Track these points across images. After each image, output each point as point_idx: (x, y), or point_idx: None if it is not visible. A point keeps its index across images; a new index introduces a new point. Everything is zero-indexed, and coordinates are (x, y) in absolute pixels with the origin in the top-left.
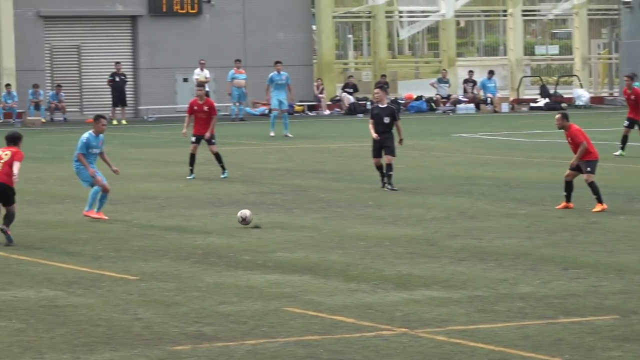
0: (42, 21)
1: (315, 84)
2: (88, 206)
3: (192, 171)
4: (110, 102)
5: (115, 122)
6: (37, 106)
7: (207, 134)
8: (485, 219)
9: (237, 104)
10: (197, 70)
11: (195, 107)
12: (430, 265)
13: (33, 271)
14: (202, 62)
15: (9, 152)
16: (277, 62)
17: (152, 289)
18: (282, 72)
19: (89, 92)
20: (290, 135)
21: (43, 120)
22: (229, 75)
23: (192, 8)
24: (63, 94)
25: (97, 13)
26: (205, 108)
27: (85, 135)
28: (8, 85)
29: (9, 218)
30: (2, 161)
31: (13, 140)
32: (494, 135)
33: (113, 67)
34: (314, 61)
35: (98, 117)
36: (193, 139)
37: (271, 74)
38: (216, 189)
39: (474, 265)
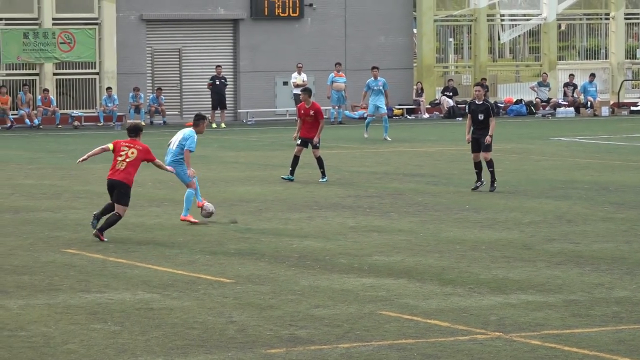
0: (144, 24)
1: (414, 87)
2: (185, 211)
3: (292, 172)
4: (210, 105)
5: (214, 125)
6: (137, 109)
7: (315, 139)
8: (582, 223)
9: (337, 107)
10: (295, 74)
11: (302, 111)
12: (526, 269)
13: (129, 274)
14: (300, 65)
15: (135, 151)
16: (373, 68)
17: (247, 292)
18: (379, 78)
19: (189, 95)
20: (389, 139)
21: (143, 123)
22: (328, 79)
23: (294, 12)
24: (163, 97)
25: (198, 17)
26: (312, 112)
27: (194, 134)
28: (109, 88)
29: (110, 222)
30: (127, 160)
31: (135, 131)
32: (593, 139)
33: (213, 70)
34: (414, 64)
35: (203, 118)
36: (299, 141)
37: (368, 80)
38: (314, 192)
39: (570, 269)
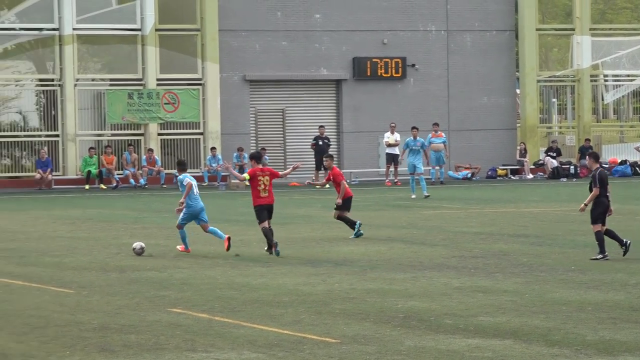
0: (248, 85)
1: (518, 147)
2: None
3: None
4: (314, 166)
5: (318, 185)
6: (241, 169)
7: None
8: None
9: (437, 167)
10: (387, 134)
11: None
12: (633, 331)
13: (235, 333)
14: (393, 125)
15: (267, 177)
16: (413, 128)
17: (353, 352)
18: (418, 138)
19: (292, 155)
20: (428, 194)
21: (247, 183)
22: (427, 140)
23: (397, 72)
24: (267, 157)
25: (302, 77)
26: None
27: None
28: (213, 148)
29: (272, 232)
30: (266, 185)
31: (259, 158)
32: None
33: (316, 130)
34: (518, 125)
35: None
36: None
37: (407, 139)
38: (418, 253)
39: None
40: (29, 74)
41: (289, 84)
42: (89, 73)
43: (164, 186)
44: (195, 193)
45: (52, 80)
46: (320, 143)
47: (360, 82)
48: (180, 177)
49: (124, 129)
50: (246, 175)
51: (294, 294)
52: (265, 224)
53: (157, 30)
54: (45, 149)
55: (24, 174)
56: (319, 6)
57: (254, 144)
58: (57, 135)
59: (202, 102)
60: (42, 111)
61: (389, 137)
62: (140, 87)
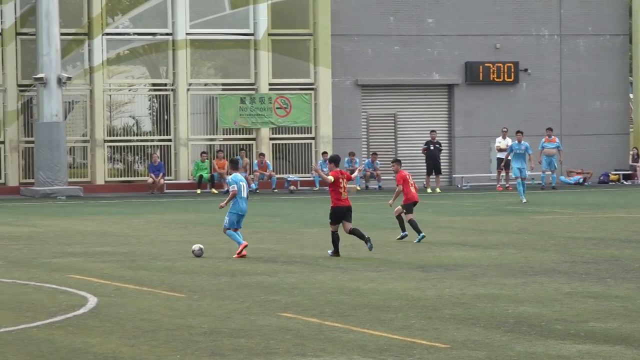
0: (360, 90)
1: (630, 152)
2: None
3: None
4: (425, 170)
5: (429, 190)
6: (352, 173)
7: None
8: None
9: (549, 172)
10: (499, 139)
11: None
12: None
13: (345, 338)
14: (505, 130)
15: (345, 180)
16: (518, 132)
17: (462, 357)
18: (522, 142)
19: (403, 160)
20: (525, 201)
21: (358, 188)
22: (540, 144)
23: (509, 77)
24: (378, 162)
25: (414, 82)
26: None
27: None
28: (324, 153)
29: (359, 231)
30: (345, 190)
31: (337, 161)
32: None
33: (428, 135)
34: (630, 130)
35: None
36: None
37: (512, 143)
38: (529, 258)
39: None
40: (142, 79)
41: (400, 88)
42: (202, 78)
43: (275, 191)
44: (243, 195)
45: (165, 84)
46: (432, 148)
47: (473, 87)
48: (229, 179)
49: (236, 134)
50: (331, 178)
51: (404, 299)
52: (337, 228)
53: (269, 34)
54: (158, 153)
55: (136, 178)
56: (432, 11)
57: (365, 149)
58: (170, 140)
59: (314, 107)
60: (154, 116)
61: (500, 142)
62: (253, 92)
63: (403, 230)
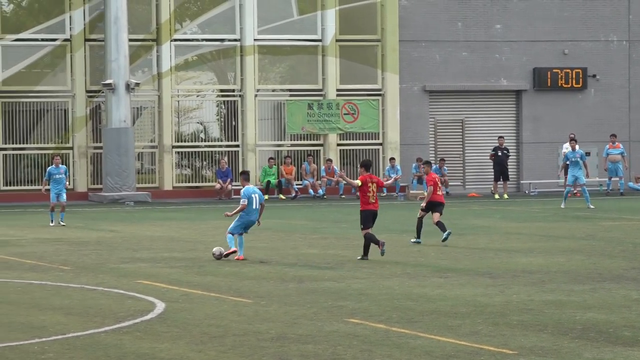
0: (427, 95)
1: None
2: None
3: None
4: (492, 177)
5: (497, 196)
6: (419, 180)
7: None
8: None
9: (616, 178)
10: (566, 145)
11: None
12: None
13: (412, 344)
14: (572, 135)
15: (375, 185)
16: (571, 140)
17: None
18: (577, 150)
19: (471, 166)
20: (592, 207)
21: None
22: (604, 151)
23: (577, 83)
24: (446, 168)
25: (481, 87)
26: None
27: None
28: (392, 158)
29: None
30: (374, 194)
31: (368, 166)
32: None
33: (496, 141)
34: None
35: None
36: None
37: (566, 151)
38: (597, 264)
39: None
40: (210, 85)
41: (468, 94)
42: (269, 84)
43: (343, 197)
44: (254, 207)
45: (233, 90)
46: (500, 154)
47: (541, 93)
48: (243, 191)
49: (304, 140)
50: (358, 182)
51: (472, 305)
52: (370, 230)
53: (337, 40)
54: (226, 159)
55: (204, 184)
56: (500, 17)
57: (433, 155)
58: (237, 146)
59: (381, 113)
60: (222, 121)
61: (567, 148)
62: (320, 98)
63: (418, 236)
